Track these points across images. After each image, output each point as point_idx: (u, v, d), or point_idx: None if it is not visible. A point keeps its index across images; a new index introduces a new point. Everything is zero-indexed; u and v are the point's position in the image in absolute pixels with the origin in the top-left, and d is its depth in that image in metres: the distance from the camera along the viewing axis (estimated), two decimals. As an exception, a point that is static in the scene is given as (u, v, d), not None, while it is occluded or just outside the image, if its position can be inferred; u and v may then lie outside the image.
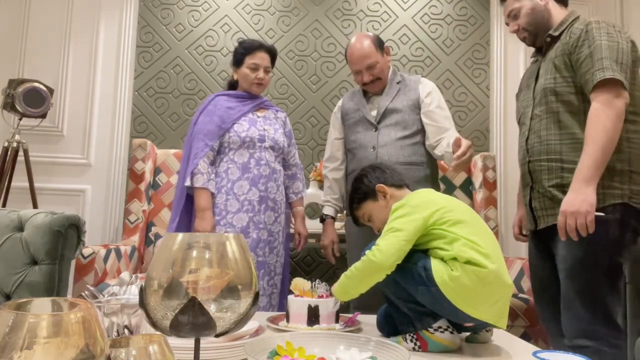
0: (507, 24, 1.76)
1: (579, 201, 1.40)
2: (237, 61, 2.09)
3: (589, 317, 1.45)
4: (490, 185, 2.95)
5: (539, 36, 1.69)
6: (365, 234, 1.99)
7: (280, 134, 2.12)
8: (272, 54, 2.11)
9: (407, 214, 1.18)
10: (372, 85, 2.04)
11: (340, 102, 2.20)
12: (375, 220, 1.37)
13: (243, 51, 2.07)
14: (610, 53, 1.45)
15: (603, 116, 1.42)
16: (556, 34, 1.63)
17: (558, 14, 1.67)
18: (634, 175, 1.48)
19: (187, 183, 1.96)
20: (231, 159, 2.01)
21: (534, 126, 1.64)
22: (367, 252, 1.17)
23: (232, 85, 2.18)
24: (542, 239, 1.65)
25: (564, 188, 1.51)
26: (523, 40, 1.73)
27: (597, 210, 1.43)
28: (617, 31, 1.50)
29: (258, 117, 2.10)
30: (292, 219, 2.23)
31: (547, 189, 1.56)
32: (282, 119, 2.19)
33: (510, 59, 3.30)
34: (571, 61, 1.54)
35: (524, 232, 1.81)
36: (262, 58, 2.06)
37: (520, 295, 2.29)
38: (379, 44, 2.04)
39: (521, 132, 1.72)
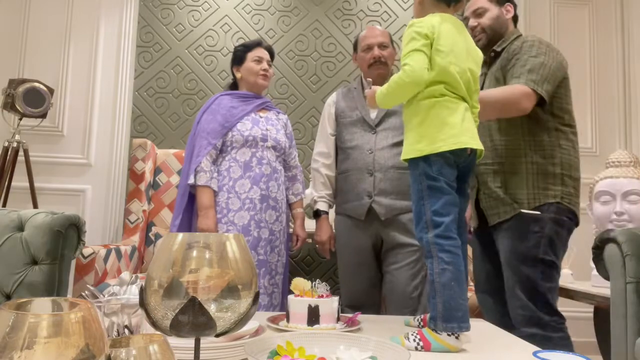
0: (466, 18, 1.85)
1: None
2: (239, 59, 2.13)
3: (532, 306, 1.61)
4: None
5: (491, 43, 1.81)
6: (355, 234, 2.01)
7: (282, 135, 2.13)
8: (271, 52, 2.19)
9: (418, 34, 1.31)
10: (377, 68, 2.03)
11: (334, 97, 2.18)
12: (414, 11, 1.48)
13: (243, 49, 2.13)
14: (532, 66, 1.61)
15: (510, 95, 1.58)
16: (499, 49, 1.78)
17: (510, 30, 1.82)
18: (565, 178, 1.67)
19: (191, 181, 1.97)
20: (233, 158, 2.02)
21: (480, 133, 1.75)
22: (400, 72, 1.29)
23: (233, 86, 2.21)
24: (485, 235, 1.79)
25: (507, 190, 1.69)
26: (477, 40, 1.81)
27: (533, 209, 1.64)
28: (549, 49, 1.67)
29: (260, 117, 2.12)
30: (292, 220, 2.23)
31: (493, 190, 1.72)
32: (283, 121, 2.21)
33: (510, 59, 3.31)
34: (505, 75, 1.71)
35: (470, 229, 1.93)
36: (263, 52, 2.13)
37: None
38: (391, 37, 2.15)
39: None
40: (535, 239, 1.62)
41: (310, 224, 2.28)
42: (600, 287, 2.22)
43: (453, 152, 1.24)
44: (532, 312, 1.60)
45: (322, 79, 3.26)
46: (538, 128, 1.68)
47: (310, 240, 2.43)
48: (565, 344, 1.56)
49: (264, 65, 2.11)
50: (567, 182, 1.67)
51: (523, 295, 1.62)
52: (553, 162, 1.66)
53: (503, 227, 1.69)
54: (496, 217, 1.71)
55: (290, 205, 2.20)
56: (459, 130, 1.24)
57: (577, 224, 1.72)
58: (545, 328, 1.57)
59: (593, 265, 1.99)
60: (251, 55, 2.11)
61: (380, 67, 2.04)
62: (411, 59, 1.26)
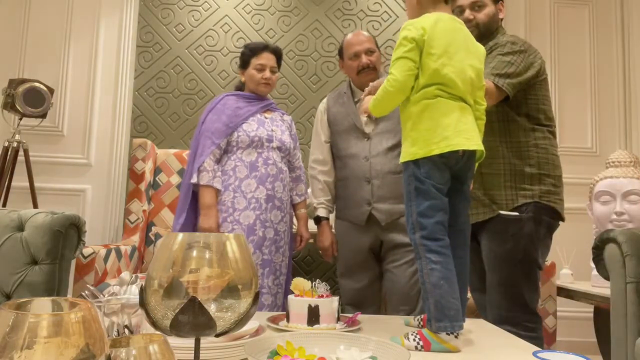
0: (462, 9, 1.79)
1: None
2: (244, 63, 2.13)
3: (507, 305, 1.64)
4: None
5: (479, 39, 1.81)
6: (355, 235, 2.02)
7: (287, 136, 2.15)
8: (278, 54, 2.16)
9: (405, 38, 1.28)
10: (366, 75, 2.03)
11: (325, 104, 2.18)
12: (409, 12, 1.43)
13: (249, 53, 2.12)
14: (498, 64, 1.63)
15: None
16: (487, 49, 1.77)
17: (497, 29, 1.82)
18: (543, 177, 1.68)
19: (194, 180, 1.98)
20: (239, 158, 2.03)
21: None
22: (385, 81, 1.29)
23: (240, 88, 2.22)
24: (472, 235, 1.81)
25: (485, 191, 1.71)
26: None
27: (510, 210, 1.65)
28: (521, 50, 1.66)
29: (266, 118, 2.13)
30: (295, 221, 2.24)
31: (472, 191, 1.69)
32: (288, 122, 2.22)
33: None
34: None
35: None
36: (267, 58, 2.10)
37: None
38: (376, 41, 2.13)
39: None
40: (514, 240, 1.64)
41: (312, 224, 2.29)
42: (600, 287, 2.22)
43: (442, 155, 1.22)
44: (507, 312, 1.64)
45: (322, 79, 3.26)
46: (514, 129, 1.70)
47: (312, 240, 2.44)
48: (534, 343, 1.55)
49: (266, 73, 2.09)
50: (544, 180, 1.68)
51: (500, 295, 1.65)
52: (529, 162, 1.68)
53: (484, 228, 1.71)
54: (475, 217, 1.72)
55: (294, 206, 2.21)
56: (452, 132, 1.23)
57: (561, 219, 1.72)
58: (517, 326, 1.60)
59: (593, 265, 1.99)
60: (255, 61, 2.09)
61: (369, 73, 2.03)
62: (394, 67, 1.27)
